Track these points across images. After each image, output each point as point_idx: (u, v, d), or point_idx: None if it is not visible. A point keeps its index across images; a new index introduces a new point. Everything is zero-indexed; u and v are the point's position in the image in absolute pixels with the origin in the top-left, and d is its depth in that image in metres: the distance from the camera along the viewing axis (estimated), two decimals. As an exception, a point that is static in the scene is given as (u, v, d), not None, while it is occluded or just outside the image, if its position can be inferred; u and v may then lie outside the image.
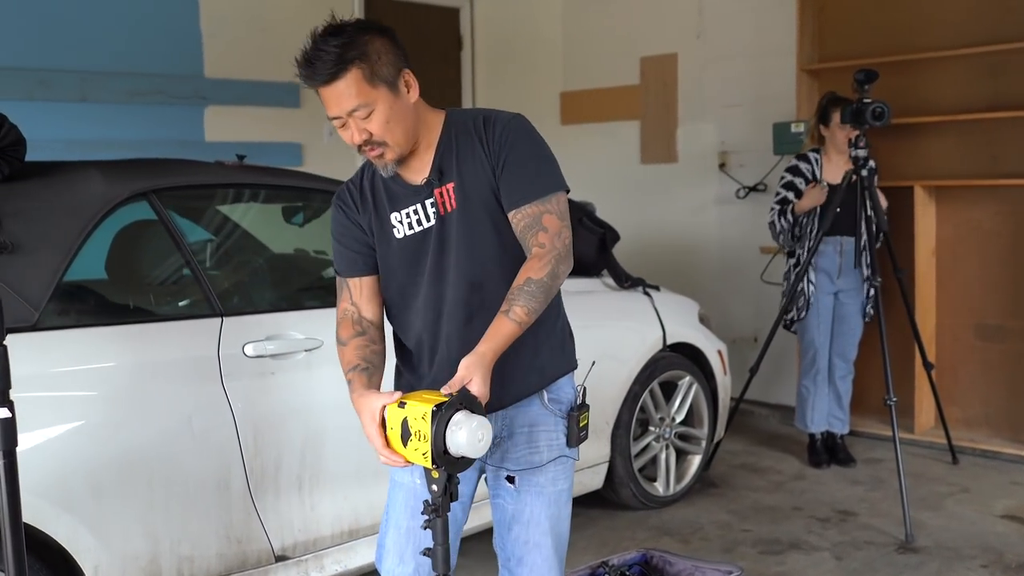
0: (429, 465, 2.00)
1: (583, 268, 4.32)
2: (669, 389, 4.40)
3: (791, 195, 4.75)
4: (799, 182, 4.76)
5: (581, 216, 4.27)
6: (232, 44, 5.93)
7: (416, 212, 2.19)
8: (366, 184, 2.26)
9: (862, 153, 4.42)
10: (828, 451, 4.98)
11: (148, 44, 5.56)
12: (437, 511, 2.08)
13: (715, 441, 4.69)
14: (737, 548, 3.88)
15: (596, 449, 4.02)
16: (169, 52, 5.67)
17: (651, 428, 4.31)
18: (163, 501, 2.74)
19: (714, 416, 4.57)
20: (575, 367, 2.35)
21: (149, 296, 3.11)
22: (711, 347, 4.55)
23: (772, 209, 4.80)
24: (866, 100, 4.37)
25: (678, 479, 4.43)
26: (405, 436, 2.01)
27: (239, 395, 2.88)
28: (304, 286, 3.53)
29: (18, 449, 2.47)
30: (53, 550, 2.58)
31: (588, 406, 2.30)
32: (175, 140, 5.63)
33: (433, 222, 2.18)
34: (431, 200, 2.18)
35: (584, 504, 4.22)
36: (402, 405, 2.02)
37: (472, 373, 2.00)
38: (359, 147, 2.09)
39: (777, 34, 5.65)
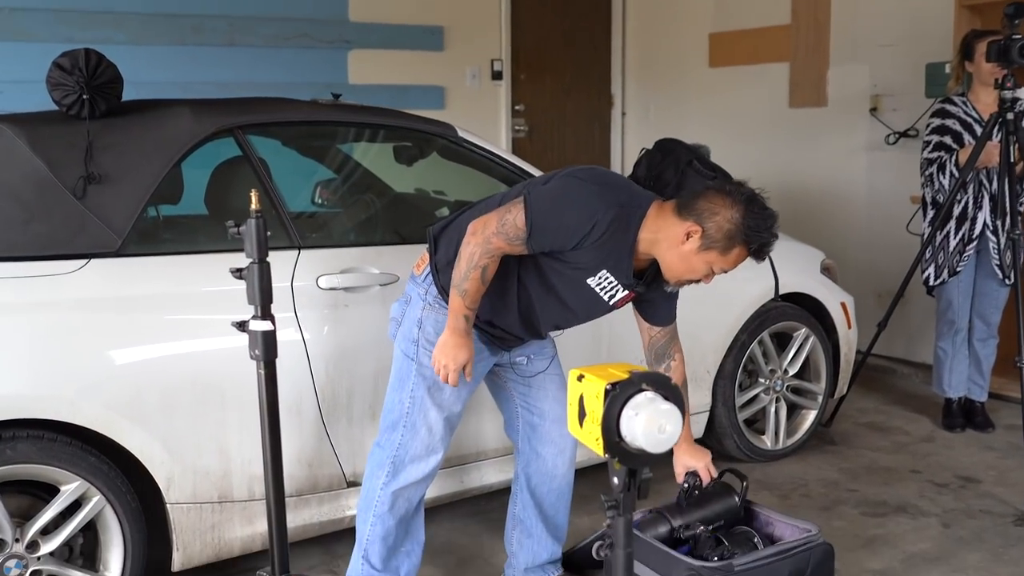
0: (602, 454, 1.72)
1: (692, 213, 4.20)
2: (787, 341, 4.23)
3: (947, 139, 4.38)
4: (951, 123, 4.40)
5: (692, 159, 4.14)
6: (377, -13, 6.07)
7: (614, 288, 2.55)
8: (613, 235, 2.45)
9: (1008, 94, 4.06)
10: (965, 415, 4.68)
11: (294, -12, 5.77)
12: (618, 508, 1.76)
13: (837, 397, 4.49)
14: (837, 507, 3.73)
15: (696, 398, 3.93)
16: (315, -4, 5.86)
17: (760, 380, 4.17)
18: (235, 422, 2.89)
19: (834, 371, 4.37)
20: None
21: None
22: (833, 299, 4.34)
23: (927, 161, 4.44)
24: (1015, 36, 4.01)
25: (790, 434, 4.28)
26: (581, 415, 1.76)
27: (311, 325, 2.99)
28: (383, 223, 3.58)
29: (94, 365, 2.68)
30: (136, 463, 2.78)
31: None
32: (319, 83, 5.82)
33: (607, 301, 2.59)
34: (622, 293, 2.57)
35: (686, 453, 4.15)
36: (580, 378, 1.77)
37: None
38: (696, 280, 2.57)
39: (937, -34, 5.25)
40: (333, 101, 3.46)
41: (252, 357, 2.46)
